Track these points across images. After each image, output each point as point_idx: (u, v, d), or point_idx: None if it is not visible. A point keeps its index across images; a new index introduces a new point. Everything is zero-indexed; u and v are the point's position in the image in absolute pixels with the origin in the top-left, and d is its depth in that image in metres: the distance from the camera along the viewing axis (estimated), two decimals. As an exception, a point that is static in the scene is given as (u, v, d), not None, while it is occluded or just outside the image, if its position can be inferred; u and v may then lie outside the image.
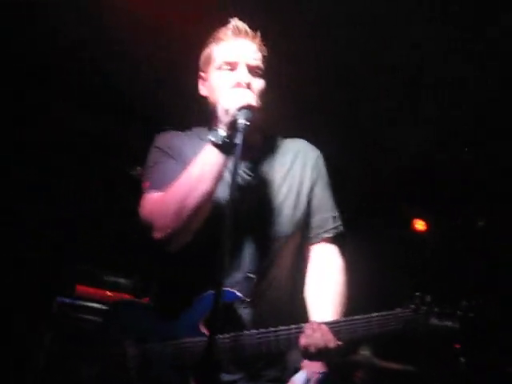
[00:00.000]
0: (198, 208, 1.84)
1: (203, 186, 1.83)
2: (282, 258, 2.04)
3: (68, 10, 3.87)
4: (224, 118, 1.85)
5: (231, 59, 2.01)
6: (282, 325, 1.85)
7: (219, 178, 1.86)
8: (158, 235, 1.87)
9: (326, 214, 2.14)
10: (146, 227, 1.92)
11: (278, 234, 2.02)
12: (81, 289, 4.39)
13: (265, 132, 2.17)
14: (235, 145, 1.75)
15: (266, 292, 1.99)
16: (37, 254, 4.68)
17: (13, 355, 4.32)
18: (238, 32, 2.05)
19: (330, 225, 2.14)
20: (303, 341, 1.80)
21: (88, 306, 4.26)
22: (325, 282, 2.05)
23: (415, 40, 3.83)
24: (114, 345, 1.98)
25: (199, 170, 1.85)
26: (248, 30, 2.06)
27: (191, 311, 1.92)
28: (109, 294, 4.44)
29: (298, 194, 2.08)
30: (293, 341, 1.81)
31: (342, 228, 2.16)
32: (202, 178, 1.83)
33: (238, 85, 1.95)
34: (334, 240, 2.14)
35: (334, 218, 2.16)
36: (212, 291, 1.71)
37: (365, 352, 4.86)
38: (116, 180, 5.04)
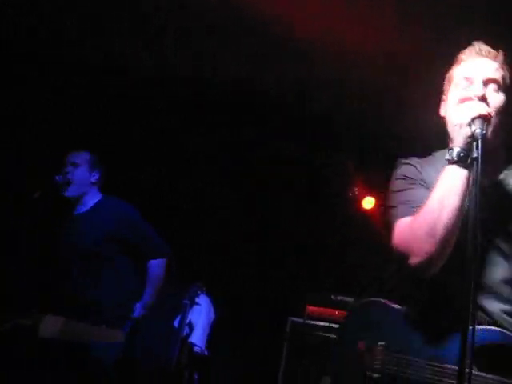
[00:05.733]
0: (450, 226, 1.81)
1: (451, 203, 1.81)
2: None
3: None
4: (456, 134, 1.84)
5: (468, 74, 1.98)
6: None
7: (465, 193, 1.82)
8: (414, 261, 1.84)
9: None
10: (400, 255, 1.89)
11: None
12: (311, 309, 4.77)
13: (509, 149, 2.12)
14: (473, 158, 1.72)
15: None
16: (275, 280, 5.11)
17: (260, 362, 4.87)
18: (479, 52, 2.02)
19: None
20: None
21: (317, 325, 4.67)
22: None
23: None
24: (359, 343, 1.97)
25: (443, 189, 1.83)
26: (490, 50, 2.02)
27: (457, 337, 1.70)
28: (336, 312, 4.74)
29: None
30: None
31: None
32: (448, 196, 1.82)
33: (468, 99, 1.90)
34: None
35: None
36: (491, 327, 1.77)
37: None
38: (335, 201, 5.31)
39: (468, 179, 1.83)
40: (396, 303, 2.02)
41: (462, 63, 2.05)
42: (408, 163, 2.13)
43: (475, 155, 1.72)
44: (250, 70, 4.62)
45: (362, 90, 4.53)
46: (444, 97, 2.12)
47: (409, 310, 1.99)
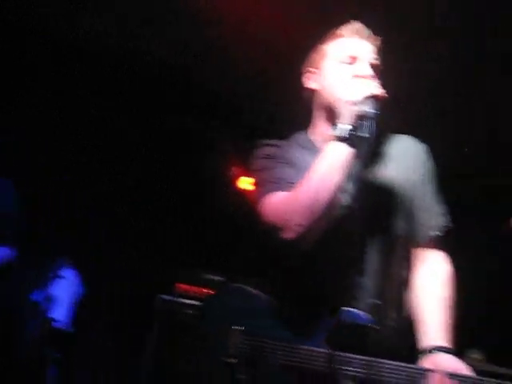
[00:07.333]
0: (329, 202, 1.78)
1: (332, 180, 1.78)
2: (400, 265, 1.97)
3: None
4: (346, 111, 1.81)
5: (353, 53, 1.97)
6: (400, 349, 1.81)
7: (347, 171, 1.81)
8: (289, 235, 1.80)
9: (435, 212, 2.03)
10: (273, 230, 1.85)
11: (395, 236, 1.94)
12: (181, 287, 4.68)
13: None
14: (362, 137, 1.73)
15: (388, 314, 1.92)
16: (143, 255, 4.98)
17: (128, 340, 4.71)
18: (360, 32, 2.02)
19: (439, 222, 2.03)
20: None
21: (187, 303, 4.59)
22: (434, 295, 1.93)
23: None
24: (219, 328, 1.92)
25: (327, 165, 1.80)
26: (371, 33, 2.04)
27: (318, 322, 1.82)
28: (206, 291, 4.68)
29: (409, 191, 1.99)
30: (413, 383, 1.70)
31: (449, 226, 2.05)
32: (330, 172, 1.78)
33: (361, 76, 1.90)
34: (441, 239, 2.04)
35: (442, 215, 2.04)
36: (343, 308, 1.77)
37: (475, 356, 4.70)
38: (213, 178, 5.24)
39: (352, 158, 1.79)
40: (262, 287, 1.99)
41: (342, 39, 2.02)
42: (269, 144, 2.09)
43: (363, 135, 1.71)
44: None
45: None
46: (314, 70, 2.09)
47: (271, 294, 1.95)
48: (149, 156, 5.05)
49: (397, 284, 1.96)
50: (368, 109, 1.76)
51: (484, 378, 1.65)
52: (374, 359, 1.71)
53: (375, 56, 2.00)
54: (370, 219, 1.90)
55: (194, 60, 4.61)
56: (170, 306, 4.57)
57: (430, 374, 1.68)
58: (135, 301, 4.88)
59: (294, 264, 1.93)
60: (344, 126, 1.79)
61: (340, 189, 1.80)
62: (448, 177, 2.17)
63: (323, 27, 2.10)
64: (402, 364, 1.71)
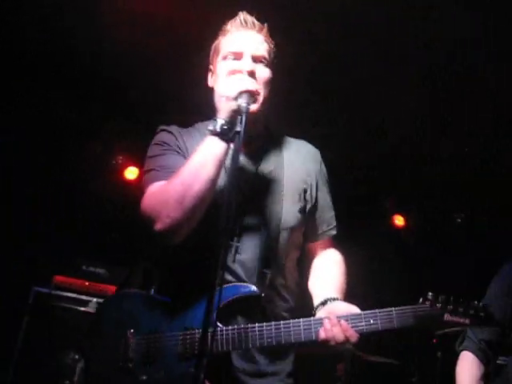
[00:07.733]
0: (201, 196, 1.80)
1: (205, 174, 1.80)
2: (287, 251, 2.04)
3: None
4: (222, 105, 1.84)
5: (236, 49, 1.99)
6: (292, 318, 1.87)
7: (221, 165, 1.83)
8: (159, 226, 1.81)
9: (330, 212, 2.18)
10: (146, 220, 1.85)
11: (282, 226, 2.00)
12: (59, 279, 4.49)
13: (268, 126, 2.16)
14: (235, 132, 1.74)
15: (278, 286, 2.00)
16: (16, 244, 4.72)
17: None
18: (244, 24, 2.04)
19: (333, 223, 2.18)
20: (323, 335, 1.78)
21: (65, 296, 4.41)
22: (327, 271, 2.10)
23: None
24: (112, 335, 1.90)
25: (200, 158, 1.82)
26: (255, 22, 2.06)
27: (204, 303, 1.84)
28: (86, 283, 4.53)
29: (302, 191, 2.07)
30: (312, 334, 1.80)
31: (339, 225, 2.19)
32: (203, 166, 1.80)
33: (237, 71, 1.93)
34: (334, 238, 2.19)
35: (335, 216, 2.19)
36: (228, 284, 1.82)
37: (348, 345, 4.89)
38: (97, 167, 5.08)
39: (226, 152, 1.82)
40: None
41: (228, 35, 2.05)
42: (166, 130, 2.09)
43: (238, 129, 1.72)
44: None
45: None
46: (211, 67, 2.11)
47: (158, 290, 1.98)
48: (25, 144, 4.77)
49: (288, 265, 2.05)
50: (242, 103, 1.78)
51: (371, 314, 1.80)
52: (268, 323, 1.81)
53: (259, 46, 2.04)
54: (252, 211, 1.97)
55: (85, 44, 4.40)
56: (46, 299, 4.40)
57: (325, 321, 1.80)
58: (8, 293, 4.59)
59: (171, 254, 1.97)
60: (218, 121, 1.82)
61: (214, 182, 1.83)
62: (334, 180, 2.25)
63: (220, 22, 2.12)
64: (298, 320, 1.82)
